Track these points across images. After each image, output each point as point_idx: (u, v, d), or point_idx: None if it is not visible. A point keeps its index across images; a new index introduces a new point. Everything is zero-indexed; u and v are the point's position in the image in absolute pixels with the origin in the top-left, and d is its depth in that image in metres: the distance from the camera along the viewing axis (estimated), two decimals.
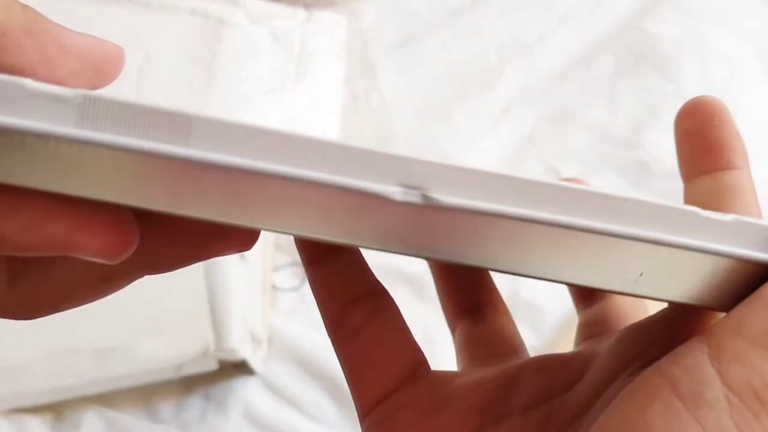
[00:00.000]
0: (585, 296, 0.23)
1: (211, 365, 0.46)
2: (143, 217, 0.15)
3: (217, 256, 0.16)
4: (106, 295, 0.16)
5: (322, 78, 0.59)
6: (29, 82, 0.12)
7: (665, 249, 0.14)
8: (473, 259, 0.14)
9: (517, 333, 0.23)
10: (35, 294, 0.15)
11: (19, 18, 0.14)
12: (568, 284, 0.15)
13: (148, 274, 0.16)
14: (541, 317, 0.50)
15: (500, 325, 0.23)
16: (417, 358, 0.19)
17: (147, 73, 0.53)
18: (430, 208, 0.13)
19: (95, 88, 0.16)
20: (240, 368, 0.48)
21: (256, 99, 0.54)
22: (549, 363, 0.19)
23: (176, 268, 0.16)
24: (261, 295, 0.50)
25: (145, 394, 0.47)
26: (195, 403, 0.47)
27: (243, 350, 0.46)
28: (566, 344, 0.49)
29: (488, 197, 0.13)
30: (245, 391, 0.48)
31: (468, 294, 0.23)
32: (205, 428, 0.46)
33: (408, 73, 0.65)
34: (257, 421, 0.47)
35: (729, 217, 0.14)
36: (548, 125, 0.62)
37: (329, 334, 0.20)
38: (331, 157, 0.13)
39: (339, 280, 0.20)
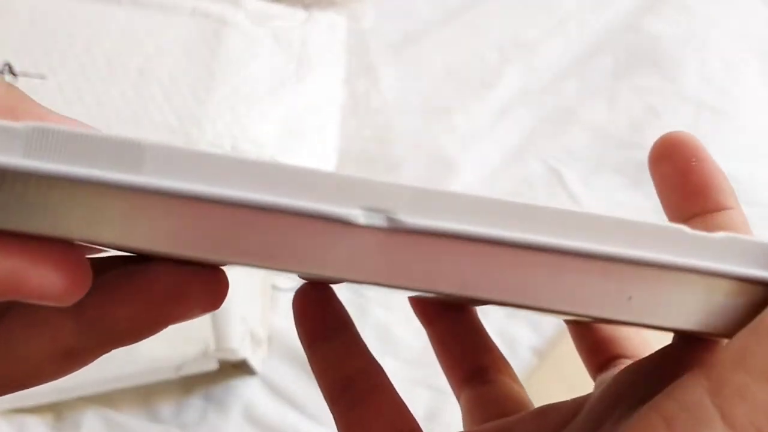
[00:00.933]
0: (600, 365, 0.22)
1: (211, 365, 0.46)
2: (100, 290, 0.14)
3: (183, 320, 0.16)
4: (72, 371, 0.16)
5: (322, 78, 0.59)
6: None
7: (649, 270, 0.13)
8: (449, 289, 0.13)
9: (523, 391, 0.22)
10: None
11: (2, 96, 0.14)
12: (551, 312, 0.14)
13: (113, 347, 0.16)
14: (541, 317, 0.50)
15: (505, 385, 0.22)
16: (412, 428, 0.20)
17: (147, 74, 0.53)
18: (397, 232, 0.12)
19: None
20: (240, 368, 0.48)
21: (256, 99, 0.54)
22: (545, 411, 0.19)
23: (142, 338, 0.16)
24: (261, 295, 0.50)
25: (145, 394, 0.47)
26: (195, 403, 0.47)
27: (243, 350, 0.46)
28: (566, 344, 0.49)
29: (458, 219, 0.12)
30: (245, 391, 0.48)
31: (470, 359, 0.23)
32: (205, 428, 0.46)
33: (408, 73, 0.65)
34: (257, 421, 0.47)
35: (720, 234, 0.13)
36: (548, 125, 0.62)
37: (328, 404, 0.21)
38: (289, 181, 0.12)
39: (338, 360, 0.20)
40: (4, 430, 0.44)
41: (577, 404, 0.18)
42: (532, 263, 0.13)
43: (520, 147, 0.60)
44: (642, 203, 0.56)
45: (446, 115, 0.62)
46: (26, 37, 0.52)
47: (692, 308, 0.13)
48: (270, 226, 0.12)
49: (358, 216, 0.12)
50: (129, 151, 0.12)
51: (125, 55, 0.54)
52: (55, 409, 0.46)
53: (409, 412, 0.20)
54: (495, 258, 0.13)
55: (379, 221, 0.12)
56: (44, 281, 0.12)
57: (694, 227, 0.17)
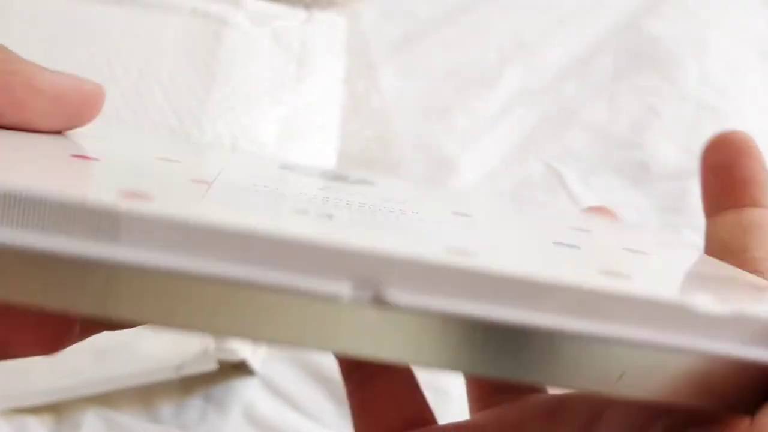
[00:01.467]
0: None
1: (211, 365, 0.46)
2: None
3: (18, 357, 0.14)
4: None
5: (322, 78, 0.59)
6: None
7: (646, 350, 0.12)
8: (439, 365, 0.12)
9: None
10: None
11: None
12: (536, 383, 0.14)
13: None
14: None
15: None
16: (423, 414, 0.20)
17: (147, 74, 0.53)
18: (387, 308, 0.11)
19: (71, 128, 0.15)
20: (240, 368, 0.48)
21: (256, 99, 0.54)
22: (557, 409, 0.18)
23: None
24: None
25: (145, 394, 0.47)
26: (195, 404, 0.47)
27: (243, 350, 0.46)
28: None
29: (453, 294, 0.11)
30: (245, 391, 0.47)
31: None
32: (205, 428, 0.46)
33: (408, 73, 0.65)
34: (257, 421, 0.47)
35: (727, 309, 0.12)
36: (548, 125, 0.62)
37: (342, 379, 0.21)
38: (274, 252, 0.11)
39: (388, 406, 0.21)
40: (4, 430, 0.44)
41: (595, 407, 0.17)
42: (527, 344, 0.12)
43: (521, 147, 0.60)
44: (642, 203, 0.56)
45: (446, 115, 0.62)
46: (26, 37, 0.52)
47: (692, 385, 0.12)
48: (270, 300, 0.11)
49: (345, 291, 0.11)
50: (104, 219, 0.11)
51: (125, 55, 0.54)
52: (55, 409, 0.46)
53: (423, 396, 0.20)
54: (475, 333, 0.12)
55: (367, 297, 0.11)
56: (28, 345, 0.12)
57: (726, 218, 0.17)
